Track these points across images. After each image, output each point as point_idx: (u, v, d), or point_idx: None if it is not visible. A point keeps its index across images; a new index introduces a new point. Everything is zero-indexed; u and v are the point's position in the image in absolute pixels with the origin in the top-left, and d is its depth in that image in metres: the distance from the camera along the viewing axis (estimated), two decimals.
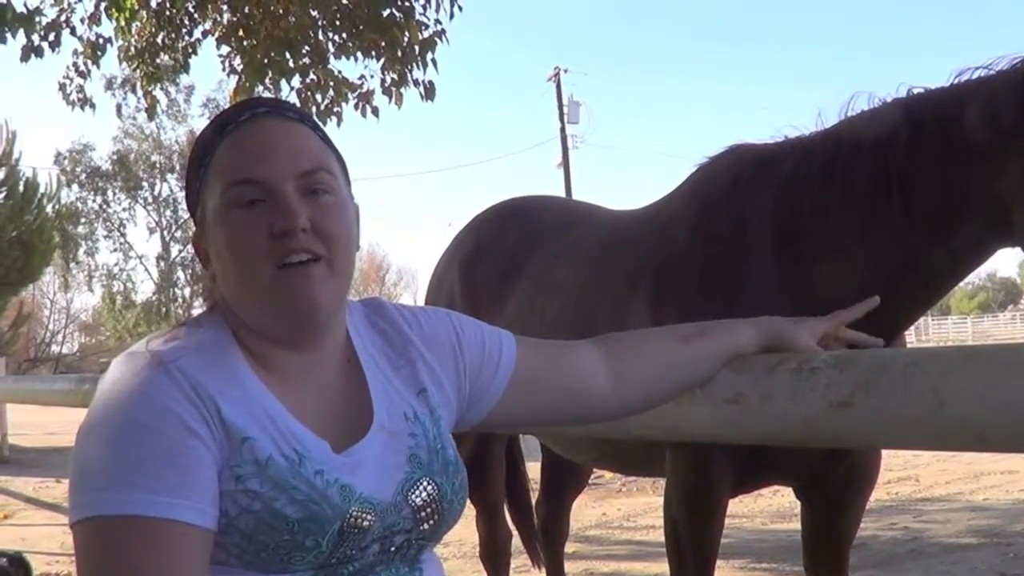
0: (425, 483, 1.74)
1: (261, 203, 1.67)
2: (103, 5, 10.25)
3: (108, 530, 1.49)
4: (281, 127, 1.76)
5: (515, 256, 4.38)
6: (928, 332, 64.35)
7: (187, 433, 1.54)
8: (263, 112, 1.78)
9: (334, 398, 1.77)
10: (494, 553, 5.24)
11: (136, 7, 10.18)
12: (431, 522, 1.74)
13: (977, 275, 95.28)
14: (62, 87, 10.95)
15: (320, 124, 1.85)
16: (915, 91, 3.01)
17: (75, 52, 10.73)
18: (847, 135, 3.08)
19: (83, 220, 52.11)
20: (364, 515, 1.63)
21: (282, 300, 1.66)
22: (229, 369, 1.66)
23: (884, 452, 3.64)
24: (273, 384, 1.69)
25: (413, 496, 1.72)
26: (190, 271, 48.18)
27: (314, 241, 1.67)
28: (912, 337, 54.96)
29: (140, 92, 11.56)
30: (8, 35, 8.33)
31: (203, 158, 1.75)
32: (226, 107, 2.05)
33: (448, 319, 2.01)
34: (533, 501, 5.68)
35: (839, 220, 3.03)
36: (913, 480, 11.01)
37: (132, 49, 10.61)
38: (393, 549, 1.69)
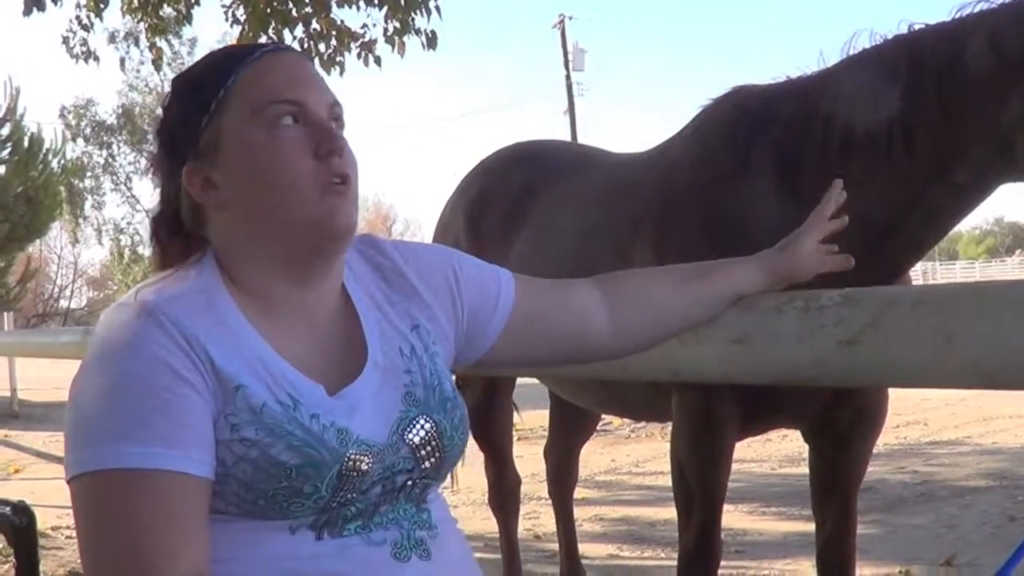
0: (422, 421, 1.72)
1: (295, 124, 1.67)
2: None
3: (104, 485, 1.49)
4: (305, 61, 1.80)
5: (520, 200, 4.36)
6: (936, 276, 64.27)
7: (179, 382, 1.53)
8: (285, 48, 1.82)
9: (328, 338, 1.75)
10: (503, 499, 5.25)
11: None
12: (432, 460, 1.72)
13: (984, 219, 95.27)
14: (65, 40, 10.91)
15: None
16: (916, 27, 2.98)
17: (78, 5, 10.68)
18: (848, 73, 3.06)
19: (89, 174, 52.07)
20: (362, 457, 1.61)
21: (326, 217, 1.65)
22: (220, 316, 1.64)
23: (892, 396, 3.64)
24: (265, 328, 1.67)
25: (410, 435, 1.70)
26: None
27: (347, 166, 1.68)
28: (920, 282, 54.89)
29: (145, 44, 11.53)
30: None
31: (223, 81, 1.71)
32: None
33: (446, 256, 2.00)
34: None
35: (840, 159, 3.01)
36: (922, 424, 11.06)
37: (135, 1, 10.55)
38: (396, 490, 1.68)
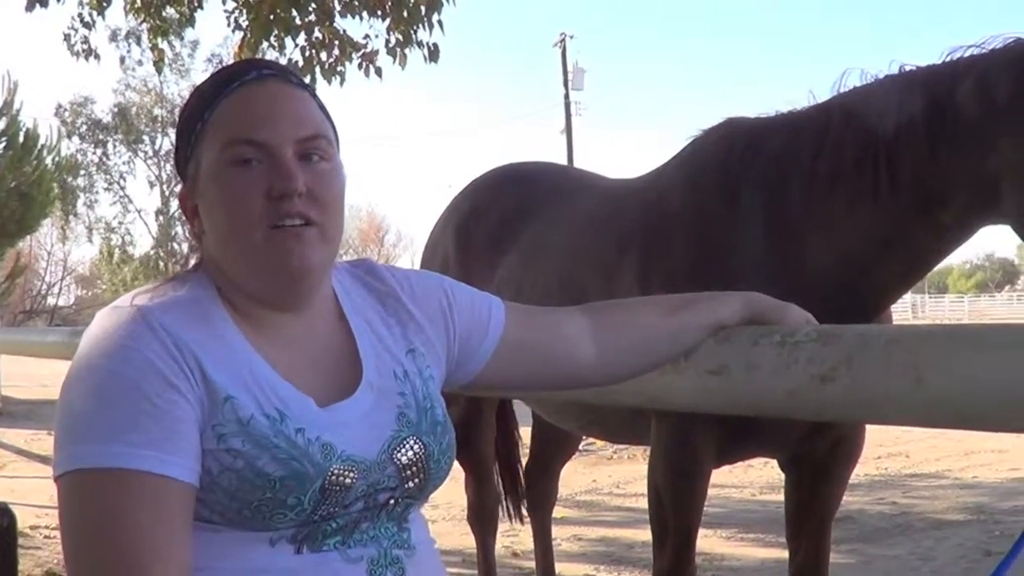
0: (412, 442, 1.75)
1: (259, 163, 1.67)
2: None
3: (91, 483, 1.51)
4: (286, 91, 1.76)
5: (510, 221, 4.40)
6: (924, 310, 64.41)
7: (168, 388, 1.55)
8: (268, 74, 1.77)
9: (322, 356, 1.77)
10: (482, 516, 5.28)
11: None
12: (416, 480, 1.75)
13: (975, 254, 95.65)
14: (67, 38, 10.93)
15: (317, 94, 1.84)
16: (907, 68, 3.02)
17: (80, 3, 10.70)
18: (837, 110, 3.11)
19: (83, 172, 51.99)
20: (346, 473, 1.63)
21: (273, 261, 1.67)
22: (213, 326, 1.67)
23: (873, 427, 3.67)
24: (258, 341, 1.70)
25: (399, 455, 1.72)
26: (188, 227, 47.69)
27: (308, 206, 1.67)
28: (908, 315, 55.04)
29: (147, 45, 11.56)
30: None
31: (202, 112, 1.74)
32: (227, 64, 2.04)
33: (439, 282, 2.02)
34: (523, 465, 5.72)
35: (826, 194, 3.05)
36: (903, 456, 11.09)
37: (139, 1, 10.57)
38: (377, 507, 1.70)
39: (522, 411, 5.28)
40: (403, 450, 1.73)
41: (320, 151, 1.73)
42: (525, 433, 5.87)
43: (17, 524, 2.59)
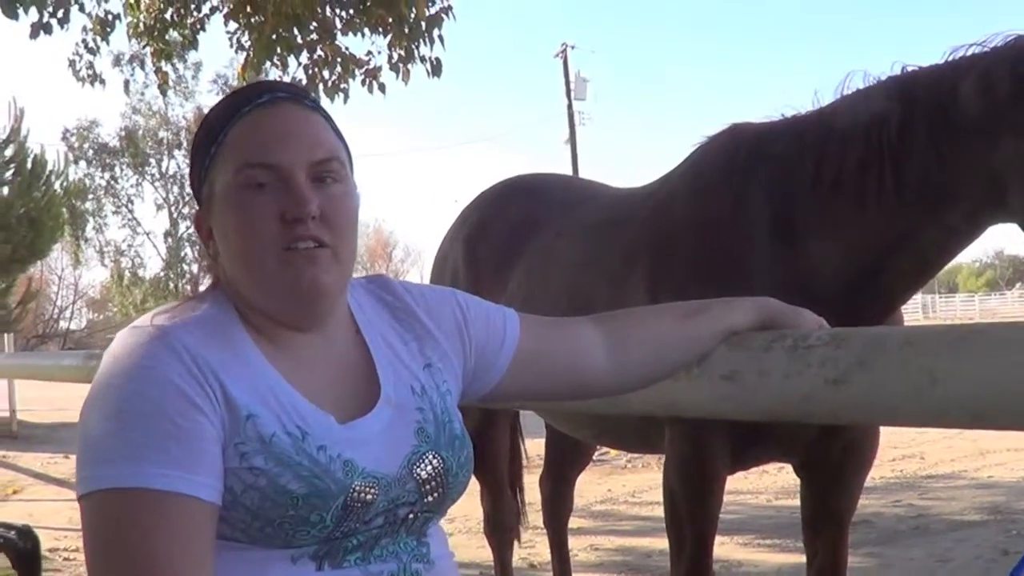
0: (431, 457, 1.76)
1: (272, 187, 1.68)
2: None
3: (115, 503, 1.51)
4: (299, 114, 1.77)
5: (518, 232, 4.41)
6: (936, 309, 64.32)
7: (191, 407, 1.56)
8: (282, 97, 1.78)
9: (340, 373, 1.78)
10: (499, 529, 5.28)
11: None
12: (435, 495, 1.76)
13: (985, 252, 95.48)
14: (71, 64, 11.00)
15: (330, 116, 1.84)
16: (909, 69, 3.02)
17: (84, 29, 10.76)
18: (841, 113, 3.11)
19: (91, 196, 52.18)
20: (367, 489, 1.64)
21: (286, 283, 1.68)
22: (233, 345, 1.68)
23: (889, 429, 3.67)
24: (278, 359, 1.71)
25: (418, 470, 1.73)
26: (197, 247, 47.81)
27: (321, 229, 1.68)
28: (919, 315, 54.94)
29: (151, 68, 11.61)
30: (20, 11, 8.31)
31: (216, 135, 1.75)
32: (240, 86, 2.04)
33: (453, 296, 2.03)
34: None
35: (832, 197, 3.05)
36: (918, 457, 11.05)
37: (141, 25, 10.61)
38: (397, 522, 1.71)
39: (535, 421, 5.28)
40: (422, 465, 1.75)
41: (333, 174, 1.74)
42: (537, 444, 5.86)
43: (40, 547, 2.60)
